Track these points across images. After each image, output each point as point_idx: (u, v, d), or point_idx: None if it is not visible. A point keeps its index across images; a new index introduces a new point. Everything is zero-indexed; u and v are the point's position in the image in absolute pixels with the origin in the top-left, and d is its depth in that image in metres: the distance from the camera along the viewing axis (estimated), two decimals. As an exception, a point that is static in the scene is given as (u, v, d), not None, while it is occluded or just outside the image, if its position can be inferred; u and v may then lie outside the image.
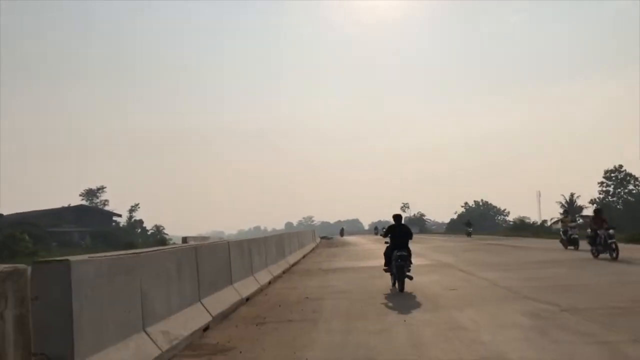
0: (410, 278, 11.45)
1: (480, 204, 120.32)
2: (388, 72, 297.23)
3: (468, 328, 6.95)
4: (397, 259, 11.33)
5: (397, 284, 11.40)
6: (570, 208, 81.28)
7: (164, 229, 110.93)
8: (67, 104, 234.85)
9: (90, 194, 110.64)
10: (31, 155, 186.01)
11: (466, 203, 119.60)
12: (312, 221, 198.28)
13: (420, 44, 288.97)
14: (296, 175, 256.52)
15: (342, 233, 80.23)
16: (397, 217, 12.70)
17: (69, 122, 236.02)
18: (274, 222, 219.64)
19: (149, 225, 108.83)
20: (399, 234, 12.02)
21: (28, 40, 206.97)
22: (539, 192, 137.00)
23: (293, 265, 19.10)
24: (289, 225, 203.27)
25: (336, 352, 6.11)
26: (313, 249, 32.11)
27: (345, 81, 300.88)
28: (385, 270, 12.32)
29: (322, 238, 66.77)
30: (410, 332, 6.92)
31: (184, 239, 68.49)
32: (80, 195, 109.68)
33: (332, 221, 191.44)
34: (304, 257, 24.07)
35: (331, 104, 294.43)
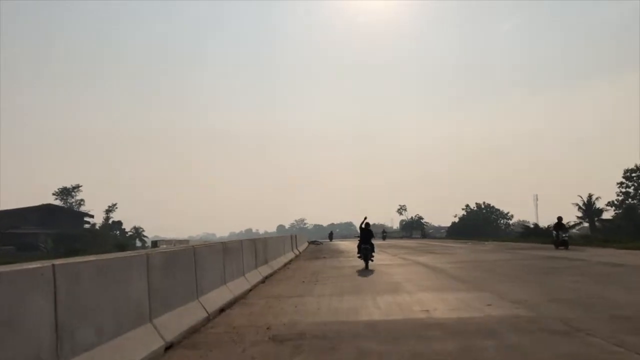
0: (372, 260, 18.19)
1: (483, 206, 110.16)
2: (385, 74, 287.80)
3: None
4: (364, 250, 17.85)
5: (366, 266, 17.62)
6: (589, 211, 71.59)
7: (143, 230, 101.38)
8: (51, 103, 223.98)
9: (64, 193, 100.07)
10: (5, 152, 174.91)
11: (467, 206, 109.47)
12: (305, 224, 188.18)
13: (419, 46, 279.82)
14: (290, 178, 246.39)
15: (331, 237, 70.62)
16: (366, 224, 18.57)
17: (51, 120, 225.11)
18: (266, 224, 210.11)
19: (128, 226, 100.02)
20: (365, 234, 18.09)
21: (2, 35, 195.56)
22: (536, 195, 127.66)
23: (221, 310, 8.95)
24: (280, 228, 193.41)
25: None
26: (289, 262, 22.00)
27: (340, 83, 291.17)
28: (359, 257, 18.39)
29: (310, 243, 56.64)
30: None
31: (155, 243, 58.26)
32: (53, 194, 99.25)
33: (325, 224, 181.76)
34: (263, 281, 14.02)
35: (326, 106, 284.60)
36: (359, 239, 18.43)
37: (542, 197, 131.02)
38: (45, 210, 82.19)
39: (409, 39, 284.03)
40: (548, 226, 66.13)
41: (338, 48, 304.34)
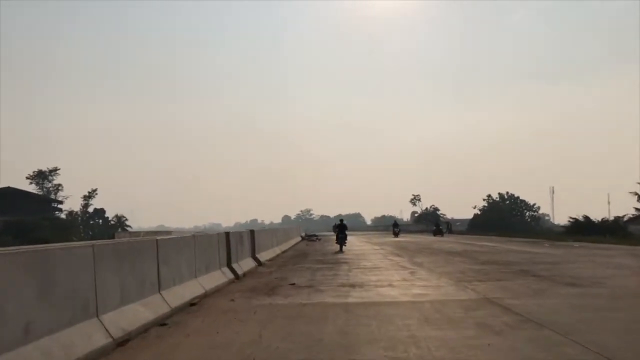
0: (345, 245, 23.11)
1: (506, 197, 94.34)
2: (400, 63, 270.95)
3: None
4: (341, 239, 22.90)
5: (340, 248, 22.40)
6: (653, 201, 55.97)
7: (126, 220, 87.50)
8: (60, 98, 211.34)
9: (40, 176, 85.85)
10: None
11: (489, 196, 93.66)
12: (311, 214, 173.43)
13: (435, 37, 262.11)
14: (297, 168, 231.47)
15: (335, 229, 55.29)
16: (341, 220, 24.46)
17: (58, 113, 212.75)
18: (272, 215, 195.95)
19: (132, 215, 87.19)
20: (340, 228, 23.27)
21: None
22: (552, 187, 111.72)
23: None
24: (286, 218, 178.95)
25: None
26: (155, 323, 7.03)
27: (352, 71, 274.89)
28: (337, 243, 23.26)
29: (305, 238, 41.89)
30: None
31: (113, 236, 44.59)
32: (27, 178, 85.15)
33: (332, 215, 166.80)
34: None
35: (337, 96, 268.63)
36: (335, 230, 25.83)
37: (558, 190, 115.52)
38: (4, 194, 68.13)
39: (424, 30, 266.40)
40: (616, 218, 51.22)
41: (352, 38, 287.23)
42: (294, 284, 10.88)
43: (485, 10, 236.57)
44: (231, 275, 11.78)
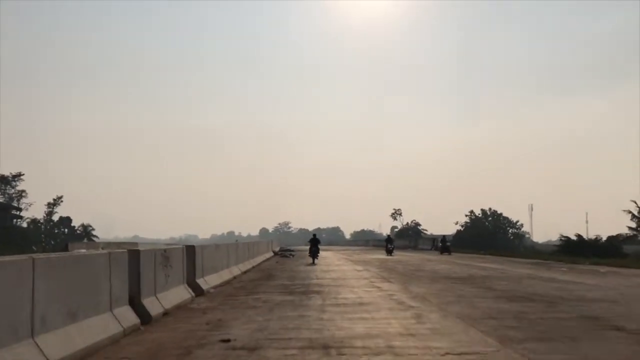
0: (317, 258, 25.11)
1: (489, 213, 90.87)
2: (379, 78, 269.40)
3: None
4: (314, 251, 24.92)
5: (313, 261, 24.23)
6: (646, 220, 52.79)
7: (92, 229, 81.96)
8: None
9: (2, 181, 79.61)
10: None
11: (472, 212, 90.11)
12: (289, 227, 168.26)
13: (416, 51, 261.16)
14: (275, 181, 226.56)
15: (309, 244, 49.49)
16: (314, 235, 27.44)
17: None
18: (250, 227, 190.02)
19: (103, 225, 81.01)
20: (314, 242, 25.46)
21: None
22: (531, 205, 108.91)
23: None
24: (264, 231, 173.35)
25: None
26: None
27: (331, 85, 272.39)
28: (309, 255, 25.18)
29: (279, 253, 37.31)
30: None
31: (66, 247, 38.67)
32: (-13, 183, 78.88)
33: (310, 228, 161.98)
34: None
35: (317, 108, 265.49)
36: (308, 245, 26.57)
37: (537, 208, 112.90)
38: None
39: (405, 46, 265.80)
40: (610, 237, 47.67)
41: (335, 54, 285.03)
42: (228, 340, 6.41)
43: (471, 26, 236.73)
44: (134, 320, 7.26)
